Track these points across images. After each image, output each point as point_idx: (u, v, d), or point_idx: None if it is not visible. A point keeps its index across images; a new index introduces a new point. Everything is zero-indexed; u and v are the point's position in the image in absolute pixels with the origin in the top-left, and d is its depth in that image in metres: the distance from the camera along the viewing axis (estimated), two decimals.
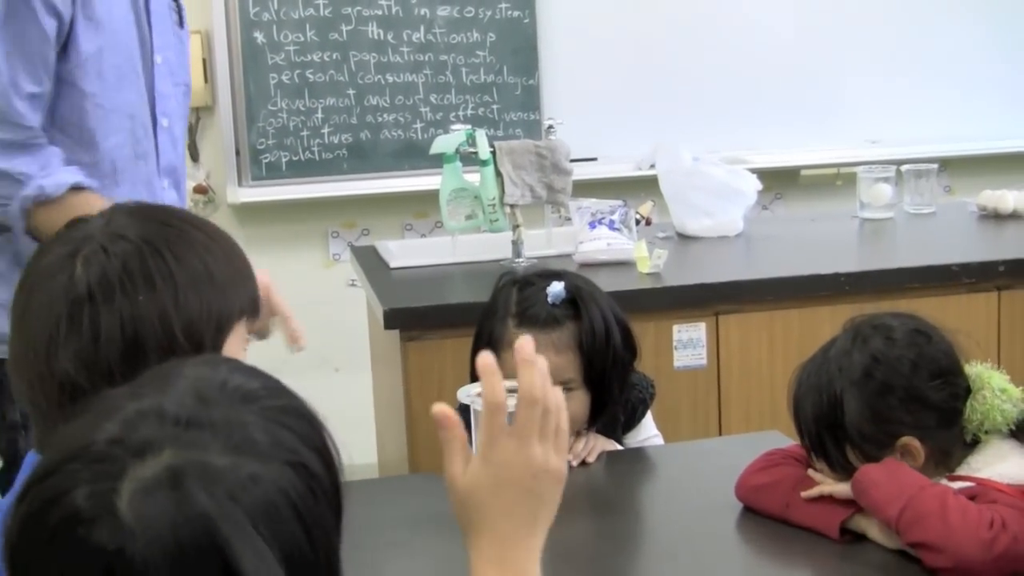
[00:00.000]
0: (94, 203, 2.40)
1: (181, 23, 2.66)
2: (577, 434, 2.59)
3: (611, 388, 2.56)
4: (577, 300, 2.55)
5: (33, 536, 1.01)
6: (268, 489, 1.02)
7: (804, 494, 2.17)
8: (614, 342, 2.57)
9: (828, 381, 2.13)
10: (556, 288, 2.54)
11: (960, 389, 2.12)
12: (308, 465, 1.06)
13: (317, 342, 4.73)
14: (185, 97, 2.70)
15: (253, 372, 1.13)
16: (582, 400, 2.54)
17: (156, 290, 1.49)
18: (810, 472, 2.20)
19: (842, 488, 2.13)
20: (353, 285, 5.09)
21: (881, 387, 2.09)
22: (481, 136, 3.77)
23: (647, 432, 2.73)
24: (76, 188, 2.44)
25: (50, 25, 2.43)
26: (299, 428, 1.09)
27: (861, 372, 2.10)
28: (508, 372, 2.46)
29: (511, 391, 2.27)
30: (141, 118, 2.55)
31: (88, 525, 0.98)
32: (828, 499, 2.15)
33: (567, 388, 2.51)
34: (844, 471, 2.13)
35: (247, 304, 1.61)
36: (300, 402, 1.12)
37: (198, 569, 0.97)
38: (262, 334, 2.99)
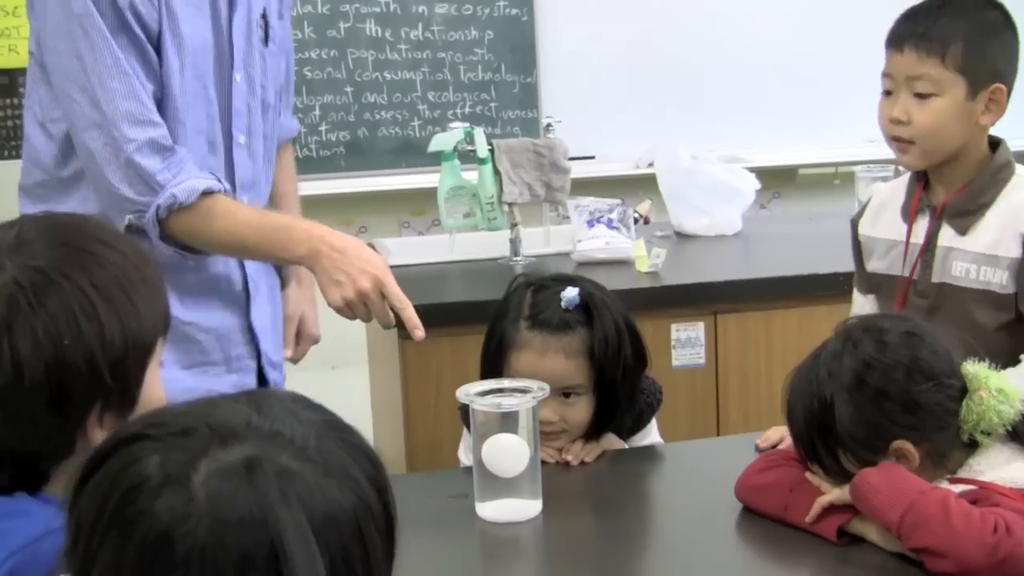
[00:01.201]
0: (226, 207, 2.45)
1: (267, 40, 2.64)
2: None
3: (619, 396, 2.55)
4: (590, 307, 2.53)
5: (98, 499, 1.06)
6: (332, 504, 1.08)
7: (807, 518, 2.15)
8: (625, 351, 2.55)
9: (819, 386, 2.10)
10: (571, 293, 2.53)
11: (955, 391, 2.09)
12: (369, 499, 1.12)
13: None
14: (269, 114, 2.69)
15: (333, 413, 1.19)
16: (587, 406, 2.53)
17: (81, 332, 1.50)
18: (807, 475, 2.19)
19: (840, 494, 2.11)
20: None
21: (873, 392, 2.07)
22: (479, 134, 3.77)
23: (651, 438, 2.72)
24: (207, 193, 2.44)
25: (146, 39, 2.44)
26: (365, 466, 1.14)
27: (852, 377, 2.08)
28: (517, 372, 2.47)
29: (517, 390, 2.28)
30: (209, 134, 2.55)
31: (155, 491, 1.04)
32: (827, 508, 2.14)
33: (574, 393, 2.50)
34: (839, 475, 2.12)
35: (163, 324, 1.63)
36: (369, 446, 1.17)
37: (248, 557, 1.02)
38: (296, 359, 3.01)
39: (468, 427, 2.54)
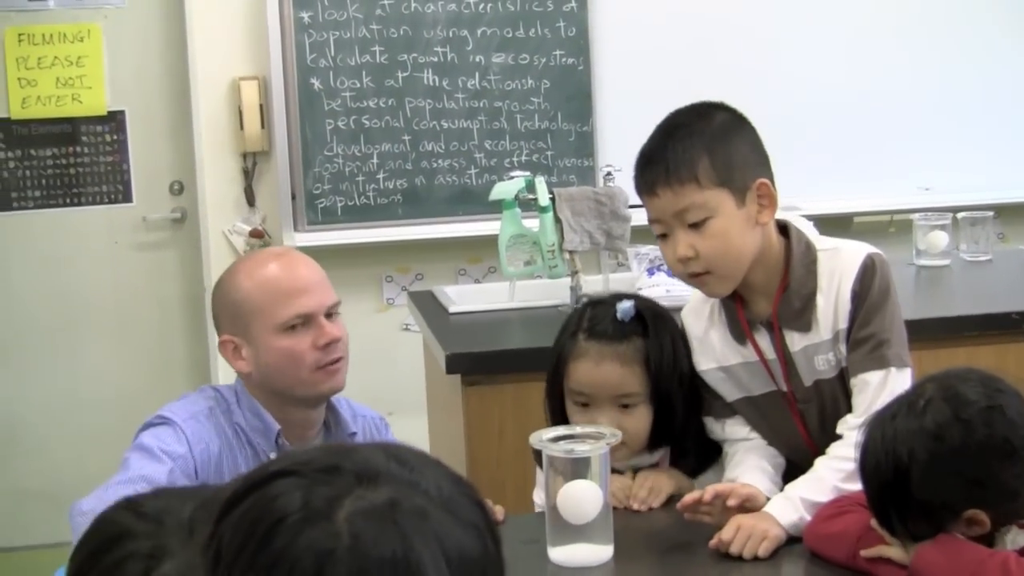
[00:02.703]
0: None
1: None
2: (636, 472, 2.60)
3: (676, 407, 2.57)
4: (646, 318, 2.58)
5: (242, 531, 1.10)
6: (464, 549, 1.12)
7: (864, 553, 2.16)
8: (681, 363, 2.58)
9: (895, 456, 2.06)
10: (625, 304, 2.58)
11: None
12: (489, 548, 1.16)
13: (371, 386, 4.79)
14: None
15: (451, 467, 1.23)
16: (644, 416, 2.56)
17: None
18: (873, 523, 2.19)
19: (901, 555, 2.12)
20: (407, 329, 5.12)
21: (947, 466, 2.03)
22: (541, 183, 3.80)
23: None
24: None
25: None
26: (484, 518, 1.18)
27: (926, 450, 2.03)
28: (575, 382, 2.51)
29: (590, 436, 2.30)
30: None
31: (298, 526, 1.08)
32: (886, 562, 2.14)
33: (631, 404, 2.53)
34: (907, 538, 2.12)
35: None
36: (483, 500, 1.20)
37: None
38: None
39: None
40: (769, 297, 2.48)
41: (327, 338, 2.71)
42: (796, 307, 2.45)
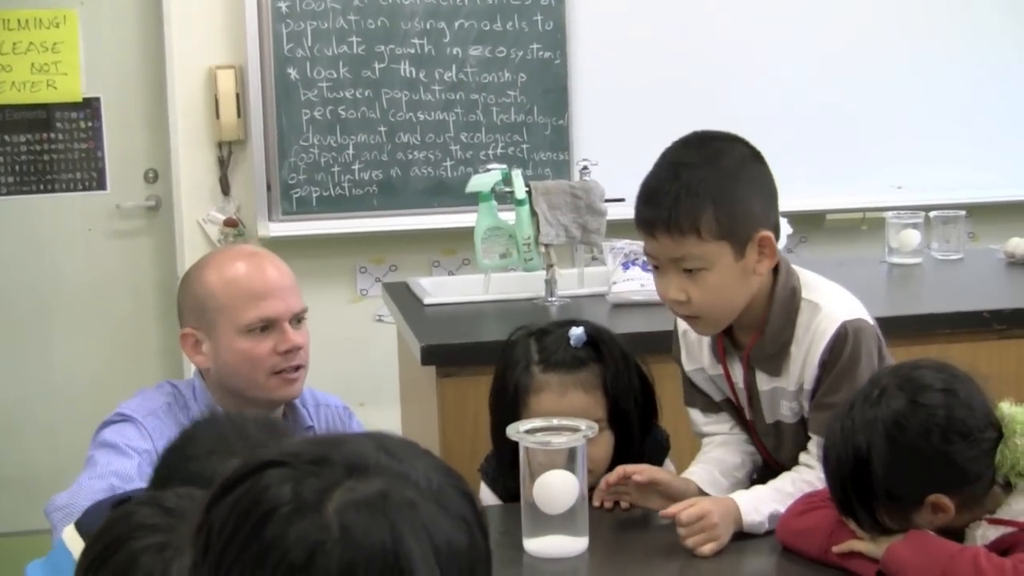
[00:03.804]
0: None
1: None
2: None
3: (632, 428, 2.59)
4: (598, 341, 2.58)
5: (232, 521, 1.10)
6: (453, 541, 1.12)
7: (835, 549, 2.18)
8: (633, 381, 2.60)
9: (854, 445, 2.09)
10: (577, 332, 2.58)
11: (990, 442, 2.09)
12: (478, 541, 1.16)
13: (343, 376, 4.80)
14: None
15: (441, 460, 1.23)
16: (607, 442, 2.56)
17: None
18: (844, 517, 2.21)
19: (871, 548, 2.14)
20: (380, 320, 5.13)
21: (907, 451, 2.06)
22: (517, 176, 3.81)
23: None
24: None
25: None
26: (472, 510, 1.18)
27: (885, 438, 2.07)
28: (538, 415, 2.49)
29: (566, 428, 2.31)
30: None
31: (289, 517, 1.08)
32: (857, 556, 2.16)
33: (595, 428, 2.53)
34: (873, 529, 2.13)
35: None
36: (473, 493, 1.21)
37: None
38: None
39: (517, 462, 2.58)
40: (749, 332, 2.46)
41: (288, 344, 2.70)
42: (769, 352, 2.44)
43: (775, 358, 2.43)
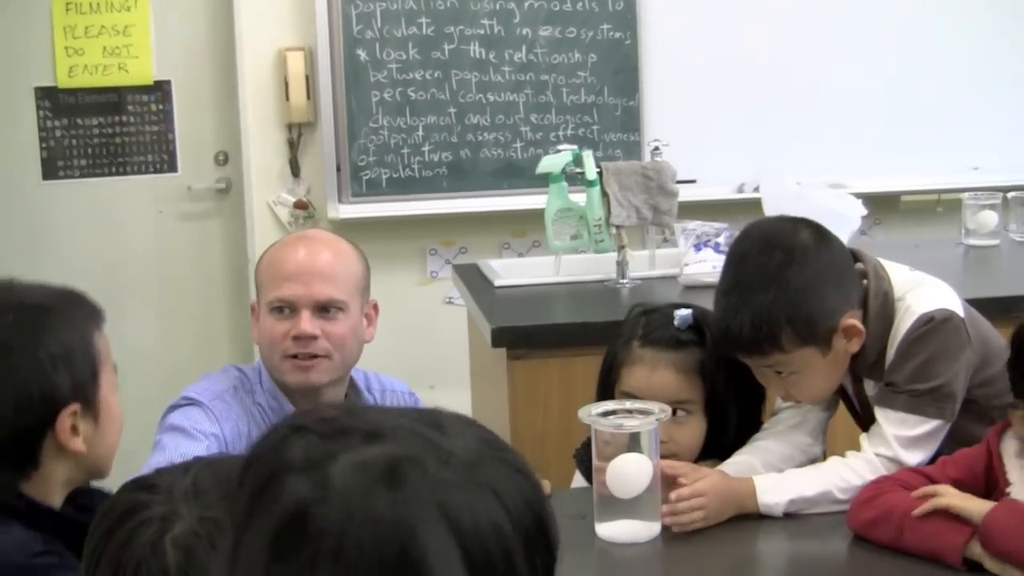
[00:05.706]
0: None
1: None
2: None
3: (729, 420, 2.55)
4: (703, 327, 2.54)
5: (248, 486, 1.10)
6: (475, 509, 1.06)
7: (916, 511, 2.15)
8: (737, 377, 2.55)
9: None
10: (683, 313, 2.55)
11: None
12: (523, 520, 1.09)
13: (413, 359, 4.80)
14: None
15: (494, 433, 1.17)
16: (698, 426, 2.52)
17: None
18: (920, 490, 2.18)
19: (955, 502, 2.11)
20: (450, 303, 5.12)
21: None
22: (588, 157, 3.78)
23: None
24: None
25: None
26: (523, 487, 1.10)
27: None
28: (628, 387, 2.49)
29: (640, 412, 2.29)
30: None
31: (292, 475, 1.06)
32: (943, 522, 2.13)
33: (685, 411, 2.50)
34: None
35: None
36: (528, 469, 1.13)
37: (381, 560, 1.02)
38: None
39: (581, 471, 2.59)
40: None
41: (297, 331, 2.69)
42: (872, 360, 2.45)
43: (878, 364, 2.45)
